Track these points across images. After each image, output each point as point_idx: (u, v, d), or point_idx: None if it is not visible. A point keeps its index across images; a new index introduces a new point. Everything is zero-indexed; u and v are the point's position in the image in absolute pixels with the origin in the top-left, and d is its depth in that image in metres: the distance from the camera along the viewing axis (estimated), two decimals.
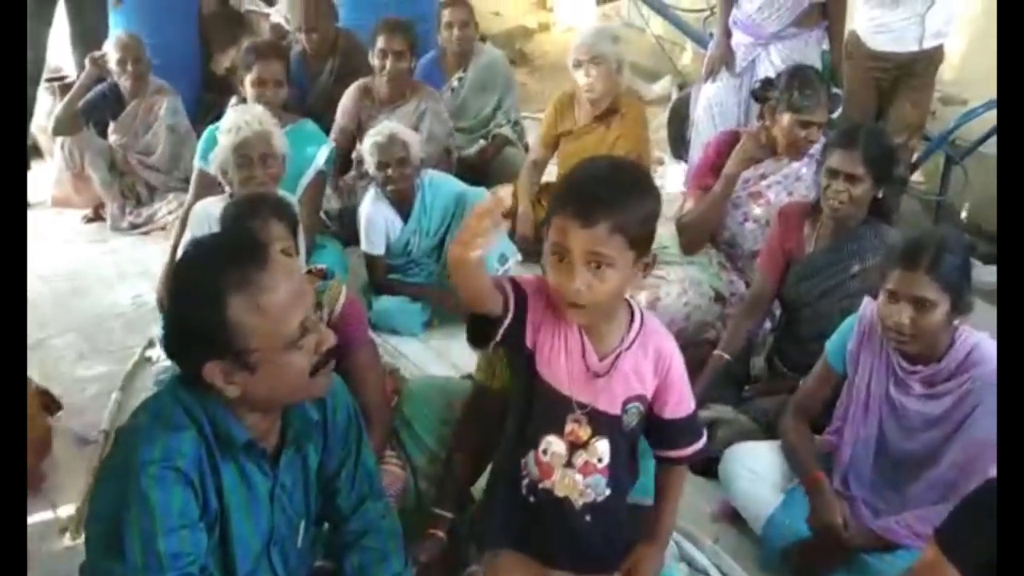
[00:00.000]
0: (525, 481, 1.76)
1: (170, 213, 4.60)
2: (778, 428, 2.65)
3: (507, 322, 1.64)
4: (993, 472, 2.01)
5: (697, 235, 3.54)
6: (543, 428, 1.72)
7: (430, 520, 2.38)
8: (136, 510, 1.53)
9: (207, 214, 3.24)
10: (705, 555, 2.56)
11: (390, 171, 3.62)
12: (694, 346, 3.37)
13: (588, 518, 1.77)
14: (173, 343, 1.65)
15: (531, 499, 1.76)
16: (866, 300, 2.54)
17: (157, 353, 3.48)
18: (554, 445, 1.71)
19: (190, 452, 1.59)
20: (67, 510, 2.69)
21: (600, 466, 1.73)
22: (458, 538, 2.35)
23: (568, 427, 1.70)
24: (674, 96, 6.04)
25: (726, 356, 3.11)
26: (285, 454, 1.74)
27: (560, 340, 1.68)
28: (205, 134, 3.90)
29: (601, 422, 1.70)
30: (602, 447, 1.71)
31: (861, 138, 2.86)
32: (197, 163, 3.91)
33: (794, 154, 3.35)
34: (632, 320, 1.75)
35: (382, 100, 4.41)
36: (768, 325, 3.43)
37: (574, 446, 1.71)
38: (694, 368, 2.91)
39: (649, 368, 1.73)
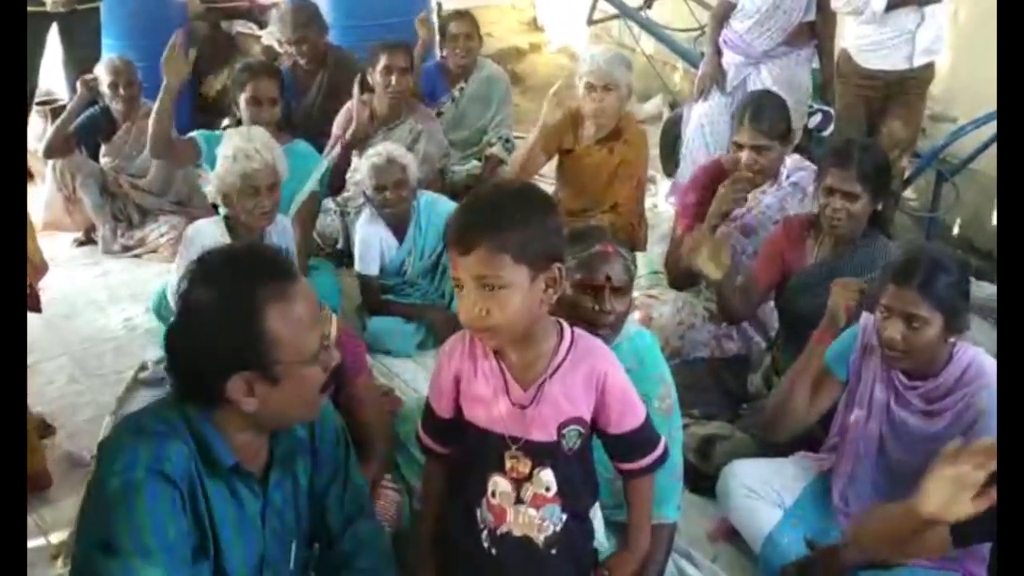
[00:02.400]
0: (484, 533, 1.73)
1: (162, 236, 4.60)
2: (774, 393, 2.66)
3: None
4: None
5: (684, 278, 3.56)
6: (486, 470, 1.71)
7: None
8: (124, 512, 1.51)
9: (201, 236, 3.22)
10: (702, 573, 2.55)
11: (387, 193, 3.62)
12: (688, 364, 3.37)
13: (553, 551, 1.74)
14: (191, 359, 1.61)
15: (493, 551, 1.73)
16: (865, 314, 2.54)
17: (148, 375, 3.47)
18: (500, 485, 1.70)
19: (177, 461, 1.57)
20: (59, 536, 2.66)
21: (550, 495, 1.70)
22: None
23: (508, 464, 1.68)
24: (665, 115, 6.07)
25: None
26: (274, 474, 1.73)
27: (480, 379, 1.68)
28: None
29: (539, 452, 1.68)
30: (546, 476, 1.69)
31: (855, 155, 2.87)
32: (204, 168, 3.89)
33: (760, 180, 3.38)
34: (561, 343, 1.71)
35: (379, 119, 4.41)
36: (764, 344, 3.43)
37: (518, 481, 1.69)
38: (687, 386, 2.93)
39: (579, 389, 1.69)
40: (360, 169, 3.70)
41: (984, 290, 3.95)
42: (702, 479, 2.86)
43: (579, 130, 4.15)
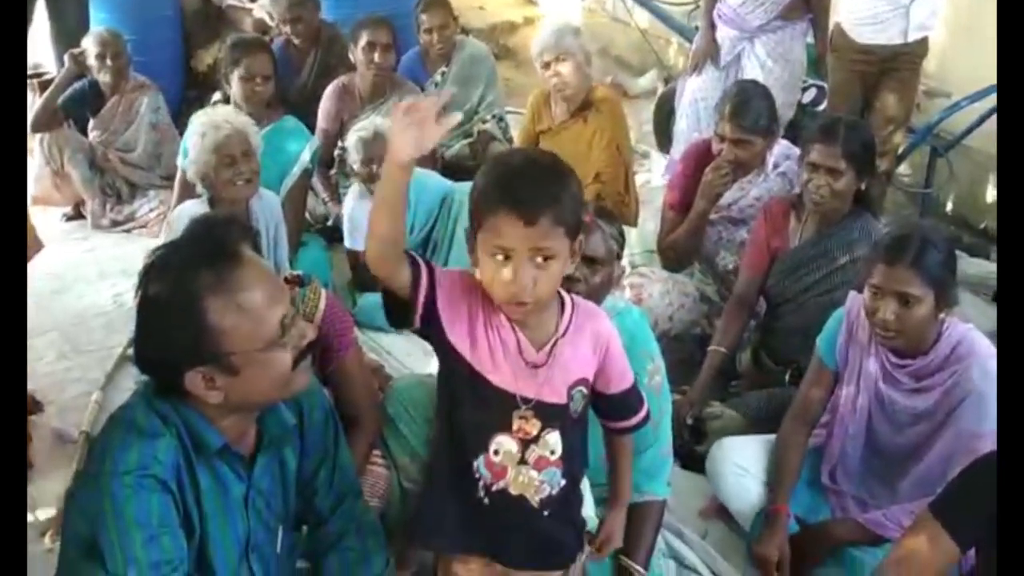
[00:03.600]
0: (479, 484, 1.71)
1: (152, 211, 4.57)
2: (778, 433, 2.61)
3: (421, 303, 1.62)
4: None
5: (676, 260, 3.56)
6: (491, 428, 1.68)
7: None
8: (114, 521, 1.50)
9: (184, 220, 3.17)
10: (693, 551, 2.56)
11: (375, 168, 3.59)
12: (678, 341, 3.37)
13: (546, 513, 1.74)
14: (148, 355, 1.59)
15: (485, 501, 1.71)
16: (852, 294, 2.53)
17: None
18: (505, 444, 1.67)
19: (166, 459, 1.55)
20: (47, 512, 2.65)
21: (553, 458, 1.70)
22: None
23: (516, 424, 1.66)
24: (660, 90, 6.03)
25: (722, 350, 3.10)
26: (261, 458, 1.72)
27: (495, 337, 1.65)
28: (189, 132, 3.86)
29: (549, 413, 1.67)
30: (553, 439, 1.69)
31: (841, 132, 2.86)
32: (181, 163, 3.86)
33: (742, 172, 3.36)
34: (564, 306, 1.73)
35: (364, 97, 4.37)
36: (752, 322, 3.42)
37: (525, 442, 1.68)
38: (676, 364, 2.93)
39: (588, 350, 1.71)
40: (347, 144, 3.66)
41: (977, 266, 3.96)
42: (692, 456, 2.86)
43: (551, 109, 4.15)
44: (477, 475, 1.69)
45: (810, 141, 2.92)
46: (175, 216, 3.30)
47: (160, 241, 3.27)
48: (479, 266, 1.59)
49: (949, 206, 4.88)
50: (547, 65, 3.94)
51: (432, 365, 3.40)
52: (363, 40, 4.25)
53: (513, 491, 1.70)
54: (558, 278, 1.61)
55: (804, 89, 4.66)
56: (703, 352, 3.16)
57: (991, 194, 4.78)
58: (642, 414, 1.84)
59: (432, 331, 1.66)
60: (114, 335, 3.66)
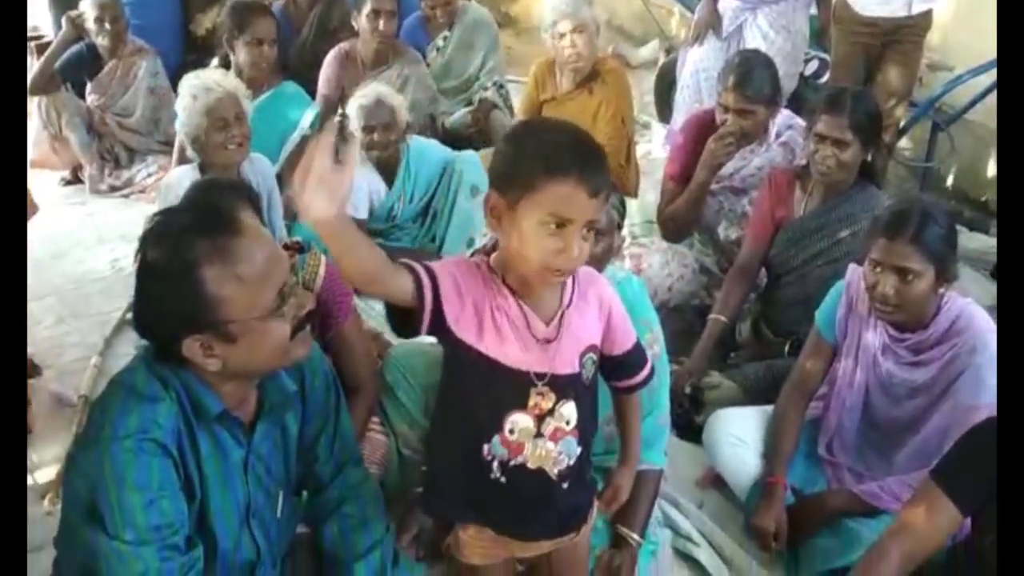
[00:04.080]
0: (494, 464, 1.68)
1: (150, 176, 4.56)
2: (775, 405, 2.62)
3: (427, 311, 1.56)
4: None
5: (676, 230, 3.55)
6: (505, 409, 1.65)
7: (421, 481, 2.38)
8: (114, 485, 1.50)
9: (177, 186, 3.14)
10: (689, 520, 2.57)
11: (375, 135, 3.57)
12: (678, 311, 3.37)
13: (565, 485, 1.73)
14: (146, 321, 1.59)
15: (502, 480, 1.69)
16: (852, 267, 2.53)
17: None
18: (520, 422, 1.65)
19: (167, 423, 1.56)
20: (46, 475, 2.66)
21: (569, 428, 1.68)
22: None
23: (532, 401, 1.64)
24: (661, 60, 5.99)
25: (722, 319, 3.10)
26: (261, 424, 1.72)
27: (503, 319, 1.61)
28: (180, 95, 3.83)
29: (563, 385, 1.66)
30: (568, 410, 1.67)
31: (848, 103, 2.84)
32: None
33: (745, 142, 3.35)
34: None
35: (366, 64, 4.34)
36: (752, 293, 3.42)
37: (540, 417, 1.66)
38: (675, 335, 2.94)
39: (594, 316, 1.70)
40: (348, 111, 3.64)
41: (977, 241, 3.96)
42: (690, 426, 2.87)
43: (556, 78, 4.13)
44: (490, 456, 1.66)
45: (816, 112, 2.90)
46: (167, 183, 3.27)
47: (156, 208, 3.29)
48: (515, 232, 1.52)
49: (950, 180, 4.87)
50: (561, 36, 3.90)
51: None
52: (367, 7, 4.21)
53: (531, 465, 1.68)
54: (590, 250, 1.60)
55: (806, 61, 4.63)
56: (702, 323, 3.16)
57: (991, 168, 4.77)
58: (647, 370, 1.84)
59: (440, 332, 1.62)
60: (112, 300, 3.65)
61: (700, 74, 4.46)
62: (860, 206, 2.94)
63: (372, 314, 3.49)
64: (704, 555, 2.48)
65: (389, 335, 3.29)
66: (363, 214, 3.71)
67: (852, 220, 2.94)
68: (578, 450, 1.71)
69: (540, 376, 1.63)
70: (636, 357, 1.80)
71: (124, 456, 1.51)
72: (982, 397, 2.27)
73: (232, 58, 3.99)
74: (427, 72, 4.55)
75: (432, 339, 3.38)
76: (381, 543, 1.82)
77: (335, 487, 1.85)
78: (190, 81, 3.18)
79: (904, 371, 2.40)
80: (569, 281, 1.69)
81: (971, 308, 2.34)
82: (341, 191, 1.36)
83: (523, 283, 1.60)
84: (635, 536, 2.25)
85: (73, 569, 1.63)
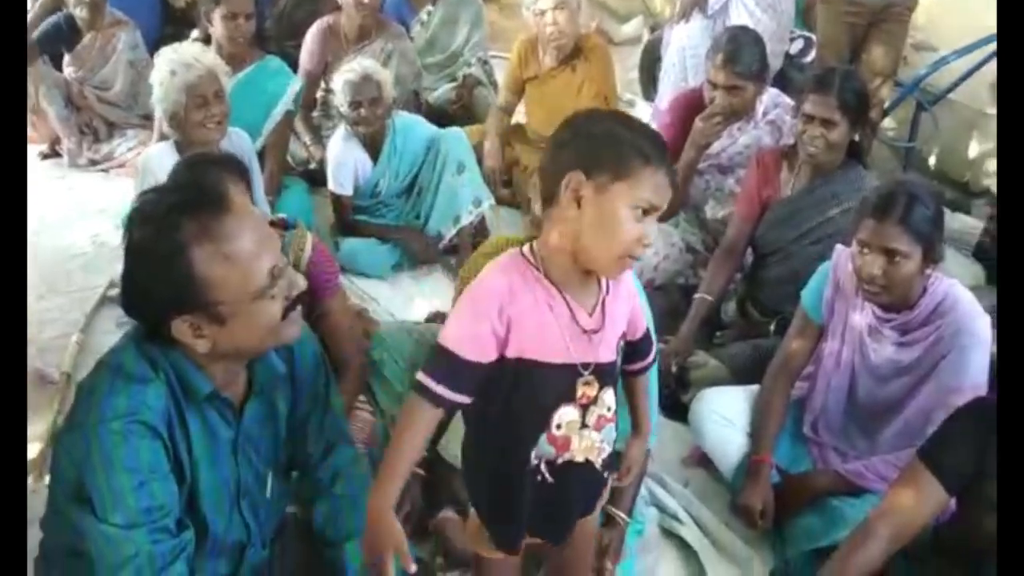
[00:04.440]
0: (542, 465, 1.66)
1: (130, 150, 4.49)
2: (761, 385, 2.63)
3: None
4: None
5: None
6: (553, 405, 1.63)
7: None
8: (102, 467, 1.49)
9: (153, 164, 3.10)
10: (675, 499, 2.59)
11: (362, 111, 3.53)
12: (664, 291, 3.38)
13: (606, 474, 1.74)
14: (134, 302, 1.57)
15: (549, 480, 1.67)
16: (838, 248, 2.54)
17: (118, 293, 3.41)
18: (567, 414, 1.63)
19: (156, 404, 1.54)
20: (29, 452, 2.64)
21: (610, 415, 1.68)
22: (434, 479, 2.36)
23: (579, 391, 1.63)
24: (645, 37, 5.96)
25: (708, 298, 3.11)
26: (250, 404, 1.70)
27: (546, 315, 1.58)
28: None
29: (604, 373, 1.65)
30: (609, 397, 1.67)
31: (836, 83, 2.84)
32: None
33: (735, 119, 3.35)
34: None
35: (349, 39, 4.29)
36: (737, 273, 3.42)
37: (585, 406, 1.65)
38: (661, 314, 2.94)
39: (624, 303, 1.69)
40: (334, 86, 3.60)
41: (958, 221, 3.98)
42: (676, 406, 2.88)
43: (539, 56, 4.11)
44: (537, 459, 1.64)
45: (804, 92, 2.90)
46: (144, 160, 3.21)
47: (135, 186, 3.23)
48: (598, 217, 1.49)
49: (932, 161, 4.88)
50: (543, 13, 3.88)
51: (414, 310, 3.44)
52: None
53: (579, 458, 1.67)
54: None
55: (791, 40, 4.61)
56: (688, 302, 3.17)
57: (974, 149, 4.78)
58: (655, 350, 1.86)
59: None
60: (93, 276, 3.61)
61: (685, 52, 4.42)
62: (847, 185, 2.94)
63: (355, 291, 3.48)
64: (690, 534, 2.50)
65: (373, 313, 3.30)
66: (348, 189, 3.68)
67: (839, 199, 2.94)
68: (614, 436, 1.72)
69: (586, 366, 1.62)
70: (649, 338, 1.82)
71: (113, 438, 1.49)
72: (964, 379, 2.29)
73: (210, 31, 3.93)
74: (411, 47, 4.51)
75: (418, 317, 3.39)
76: None
77: (325, 467, 1.84)
78: (168, 55, 3.11)
79: (890, 351, 2.41)
80: None
81: (956, 289, 2.35)
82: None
83: (567, 275, 1.57)
84: (623, 515, 2.26)
85: (60, 551, 1.62)
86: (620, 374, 1.80)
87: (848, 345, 2.48)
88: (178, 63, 3.04)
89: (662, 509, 2.56)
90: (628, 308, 1.70)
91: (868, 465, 2.39)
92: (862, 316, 2.44)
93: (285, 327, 1.60)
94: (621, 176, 1.47)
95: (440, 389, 1.52)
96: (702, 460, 2.75)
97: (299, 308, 1.62)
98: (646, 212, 1.49)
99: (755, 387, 2.67)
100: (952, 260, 3.63)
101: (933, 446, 1.92)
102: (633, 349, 1.78)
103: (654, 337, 1.87)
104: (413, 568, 1.50)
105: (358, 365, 2.53)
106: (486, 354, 1.54)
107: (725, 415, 2.64)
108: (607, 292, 1.64)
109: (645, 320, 1.79)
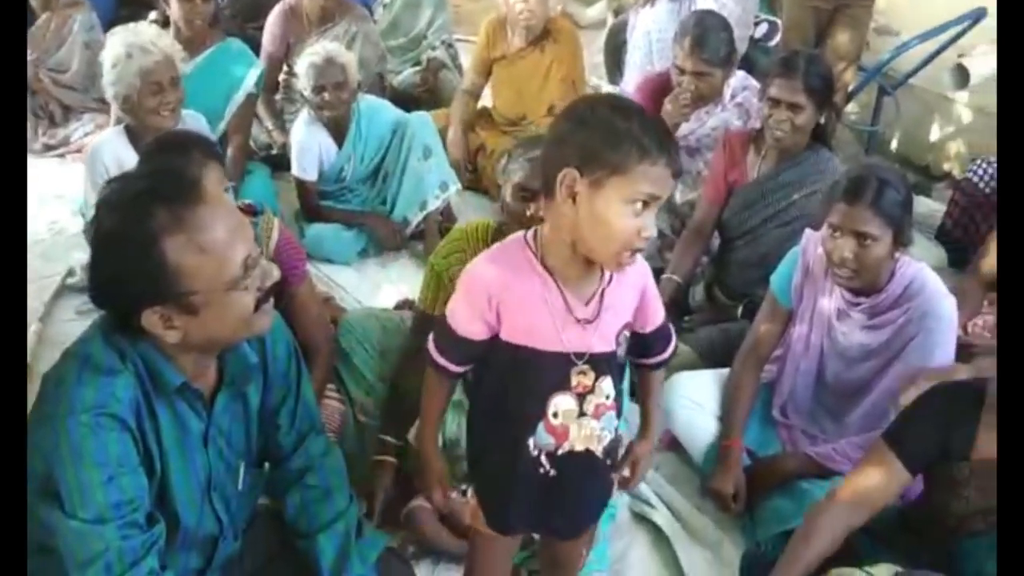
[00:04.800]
0: (542, 457, 1.66)
1: (87, 135, 4.39)
2: (731, 369, 2.64)
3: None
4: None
5: None
6: (547, 394, 1.63)
7: (380, 448, 2.37)
8: (71, 461, 1.44)
9: (103, 150, 3.04)
10: (646, 484, 2.59)
11: (326, 95, 3.48)
12: None
13: (608, 461, 1.73)
14: (104, 292, 1.52)
15: (552, 473, 1.66)
16: (807, 232, 2.55)
17: (76, 280, 3.35)
18: (563, 404, 1.63)
19: (125, 396, 1.50)
20: None
21: (608, 403, 1.66)
22: (405, 467, 2.34)
23: (574, 380, 1.62)
24: (610, 20, 5.95)
25: (676, 278, 3.12)
26: (221, 396, 1.67)
27: (539, 303, 1.58)
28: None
29: (600, 362, 1.64)
30: (607, 385, 1.65)
31: (801, 66, 2.84)
32: None
33: (702, 103, 3.35)
34: None
35: (312, 21, 4.23)
36: (704, 257, 3.43)
37: (582, 395, 1.64)
38: None
39: (630, 294, 1.67)
40: (298, 70, 3.55)
41: (921, 204, 4.01)
42: None
43: (507, 36, 4.09)
44: (536, 450, 1.64)
45: (770, 76, 2.90)
46: (94, 148, 3.13)
47: (84, 179, 3.14)
48: (595, 212, 1.47)
49: (894, 144, 4.93)
50: None
51: (381, 296, 3.41)
52: None
53: (579, 447, 1.66)
54: None
55: (756, 24, 4.63)
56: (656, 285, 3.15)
57: (935, 133, 4.84)
58: (672, 345, 1.81)
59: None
60: (51, 264, 3.53)
61: (651, 35, 4.41)
62: (813, 168, 2.95)
63: (321, 277, 3.44)
64: (661, 518, 2.51)
65: (339, 299, 3.26)
66: (312, 175, 3.64)
67: (805, 183, 2.95)
68: (616, 423, 1.71)
69: (579, 356, 1.61)
70: (666, 331, 1.78)
71: (81, 431, 1.45)
72: (932, 359, 2.32)
73: (168, 12, 3.84)
74: (375, 29, 4.46)
75: (385, 303, 3.36)
76: (345, 514, 1.78)
77: (297, 458, 1.81)
78: (124, 37, 3.03)
79: (859, 334, 2.43)
80: None
81: (924, 273, 2.37)
82: None
83: (565, 264, 1.56)
84: None
85: (29, 548, 1.58)
86: (632, 367, 1.80)
87: (816, 329, 2.50)
88: (135, 46, 2.96)
89: (633, 494, 2.56)
90: (634, 298, 1.67)
91: (837, 448, 2.41)
92: (831, 300, 2.46)
93: (258, 318, 1.57)
94: (618, 171, 1.45)
95: (441, 360, 1.66)
96: (672, 444, 2.76)
97: (272, 299, 1.59)
98: (646, 204, 1.47)
99: (725, 371, 2.68)
100: (914, 242, 3.67)
101: (896, 429, 1.96)
102: (644, 342, 1.75)
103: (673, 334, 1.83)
104: (454, 494, 1.83)
105: (326, 353, 2.50)
106: (478, 333, 1.61)
107: (695, 399, 2.64)
108: (608, 282, 1.62)
109: (660, 313, 1.74)
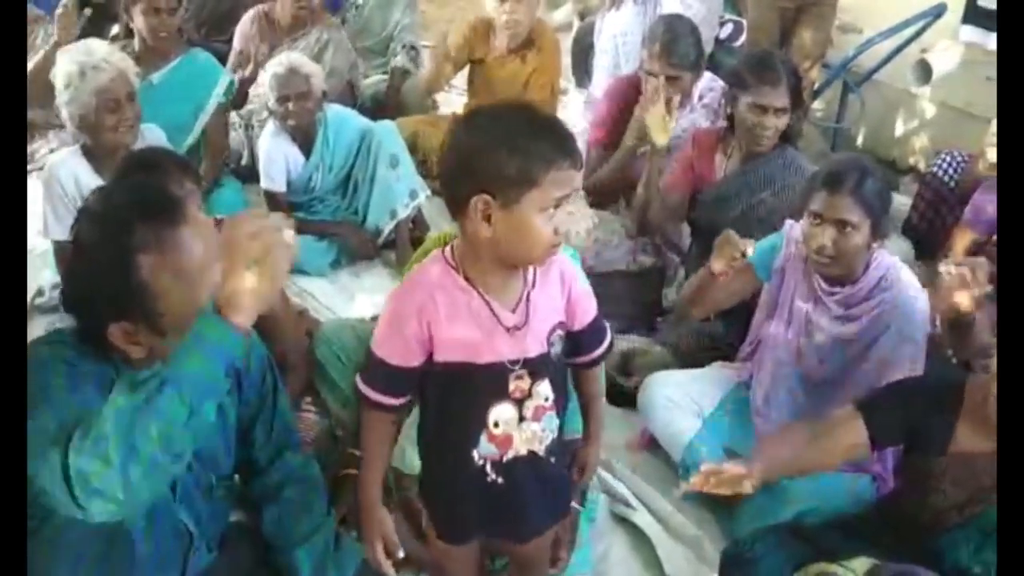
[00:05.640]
0: (487, 467, 1.66)
1: (51, 152, 4.32)
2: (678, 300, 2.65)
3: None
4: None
5: (602, 196, 3.53)
6: (486, 405, 1.63)
7: (345, 460, 2.34)
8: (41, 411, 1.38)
9: (59, 172, 2.99)
10: (625, 485, 2.59)
11: (290, 105, 3.47)
12: (605, 277, 3.37)
13: (553, 459, 1.73)
14: (75, 301, 1.52)
15: (500, 481, 1.67)
16: (789, 223, 2.56)
17: (44, 301, 3.30)
18: (503, 412, 1.63)
19: (94, 372, 1.47)
20: None
21: (547, 404, 1.67)
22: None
23: (511, 386, 1.62)
24: (575, 24, 5.96)
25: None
26: None
27: (465, 315, 1.58)
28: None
29: (536, 366, 1.64)
30: (544, 388, 1.65)
31: (781, 71, 2.86)
32: None
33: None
34: None
35: (283, 29, 4.21)
36: (677, 258, 3.45)
37: (520, 401, 1.64)
38: (602, 301, 2.93)
39: (557, 293, 1.68)
40: (262, 80, 3.53)
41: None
42: (621, 393, 2.89)
43: (490, 39, 4.08)
44: (481, 460, 1.64)
45: (749, 83, 2.89)
46: (49, 169, 3.06)
47: (41, 201, 3.08)
48: (513, 227, 1.48)
49: (860, 140, 4.98)
50: (501, 1, 3.87)
51: (355, 307, 3.39)
52: None
53: (523, 451, 1.66)
54: None
55: (721, 24, 4.66)
56: (629, 288, 3.18)
57: (900, 128, 4.90)
58: (608, 340, 1.81)
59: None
60: None
61: (617, 39, 4.43)
62: (780, 167, 2.97)
63: (294, 290, 3.42)
64: (641, 519, 2.51)
65: (313, 311, 3.25)
66: (280, 185, 3.62)
67: (773, 181, 2.97)
68: (557, 422, 1.71)
69: (514, 363, 1.61)
70: (599, 327, 1.78)
71: (48, 375, 1.44)
72: (904, 351, 2.36)
73: (132, 26, 3.81)
74: (346, 37, 4.45)
75: (362, 314, 3.34)
76: (323, 527, 1.78)
77: (275, 471, 1.80)
78: (75, 56, 2.95)
79: (834, 325, 2.45)
80: None
81: (898, 266, 2.41)
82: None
83: (484, 275, 1.57)
84: (574, 504, 2.25)
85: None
86: (567, 368, 1.79)
87: (793, 323, 2.51)
88: (87, 65, 2.90)
89: (612, 495, 2.56)
90: (561, 296, 1.68)
91: None
92: (807, 293, 2.47)
93: None
94: (528, 187, 1.46)
95: (376, 396, 1.61)
96: (649, 444, 2.77)
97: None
98: (557, 205, 1.49)
99: (703, 370, 2.70)
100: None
101: (870, 398, 2.05)
102: (578, 339, 1.75)
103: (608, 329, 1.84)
104: (401, 554, 1.70)
105: (302, 366, 2.49)
106: (412, 359, 1.59)
107: (673, 398, 2.65)
108: (532, 285, 1.63)
109: (591, 308, 1.75)
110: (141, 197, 1.50)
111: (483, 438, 1.64)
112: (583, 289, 1.72)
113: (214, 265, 1.47)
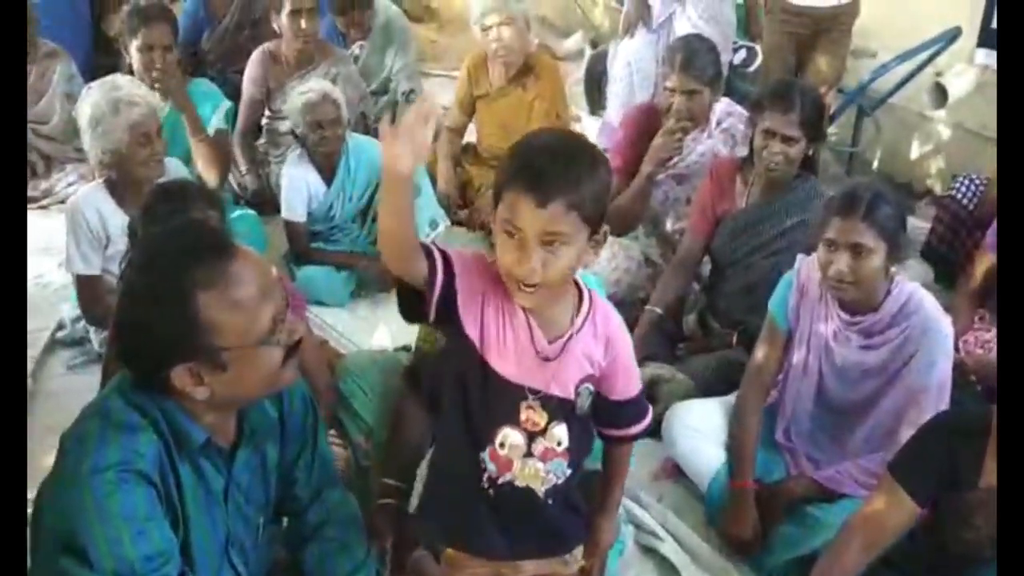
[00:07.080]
0: (484, 476, 1.68)
1: (70, 186, 4.34)
2: (737, 402, 2.61)
3: (436, 296, 1.55)
4: (927, 417, 2.15)
5: (622, 224, 3.52)
6: (497, 420, 1.64)
7: (382, 490, 2.32)
8: (97, 518, 1.42)
9: (84, 209, 2.98)
10: (651, 515, 2.57)
11: (324, 132, 3.49)
12: (623, 307, 3.36)
13: (551, 501, 1.72)
14: (134, 348, 1.52)
15: (491, 493, 1.68)
16: (800, 257, 2.56)
17: (66, 334, 3.31)
18: (511, 437, 1.64)
19: (148, 452, 1.49)
20: None
21: (560, 449, 1.66)
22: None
23: (523, 415, 1.62)
24: (587, 51, 6.00)
25: (657, 310, 3.12)
26: (242, 452, 1.66)
27: (507, 324, 1.59)
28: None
29: (555, 407, 1.64)
30: (560, 432, 1.65)
31: (796, 99, 2.85)
32: None
33: (691, 126, 3.38)
34: (581, 301, 1.67)
35: (291, 64, 4.23)
36: (696, 285, 3.44)
37: (532, 434, 1.64)
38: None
39: (600, 351, 1.67)
40: (287, 109, 3.54)
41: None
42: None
43: (489, 73, 4.10)
44: (483, 466, 1.66)
45: (763, 107, 2.90)
46: (73, 206, 3.05)
47: (66, 236, 3.05)
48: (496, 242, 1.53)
49: (875, 164, 4.97)
50: (487, 29, 3.89)
51: (376, 337, 3.39)
52: (287, 7, 4.08)
53: (519, 483, 1.66)
54: (570, 265, 1.54)
55: (735, 50, 4.68)
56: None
57: (915, 151, 4.89)
58: (641, 425, 1.79)
59: (447, 322, 1.60)
60: (37, 318, 3.45)
61: (632, 66, 4.46)
62: (802, 196, 2.97)
63: (315, 321, 3.42)
64: (668, 548, 2.49)
65: (334, 343, 3.24)
66: (302, 216, 3.63)
67: (795, 211, 2.97)
68: (568, 471, 1.70)
69: (533, 392, 1.61)
70: (634, 408, 1.76)
71: (106, 488, 1.43)
72: (932, 378, 2.34)
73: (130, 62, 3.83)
74: (355, 70, 4.47)
75: (383, 346, 3.35)
76: (364, 565, 1.77)
77: (314, 510, 1.80)
78: (107, 93, 2.97)
79: (856, 355, 2.44)
80: (584, 308, 1.66)
81: (920, 292, 2.40)
82: (424, 148, 1.38)
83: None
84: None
85: None
86: (594, 429, 1.78)
87: (815, 351, 2.50)
88: (120, 101, 2.92)
89: (639, 526, 2.54)
90: (604, 356, 1.67)
91: (841, 470, 2.42)
92: (827, 325, 2.46)
93: (284, 373, 1.58)
94: (498, 199, 1.50)
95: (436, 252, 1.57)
96: (674, 473, 2.74)
97: (297, 354, 1.59)
98: (510, 234, 1.49)
99: (725, 398, 2.68)
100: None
101: (902, 461, 1.98)
102: (613, 411, 1.74)
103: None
104: None
105: (327, 398, 2.48)
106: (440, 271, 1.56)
107: (697, 428, 2.64)
108: (578, 330, 1.63)
109: (634, 385, 1.73)
110: (192, 238, 1.53)
111: (487, 453, 1.65)
112: (628, 362, 1.71)
113: (268, 296, 1.51)
